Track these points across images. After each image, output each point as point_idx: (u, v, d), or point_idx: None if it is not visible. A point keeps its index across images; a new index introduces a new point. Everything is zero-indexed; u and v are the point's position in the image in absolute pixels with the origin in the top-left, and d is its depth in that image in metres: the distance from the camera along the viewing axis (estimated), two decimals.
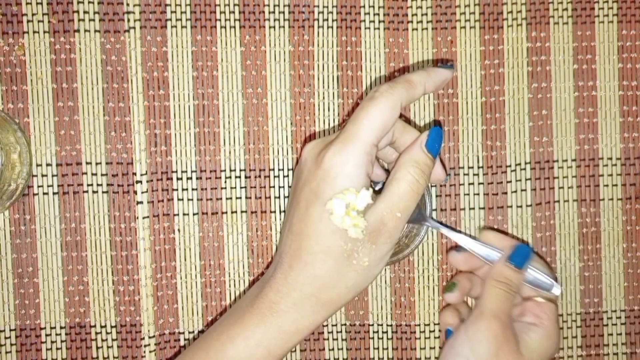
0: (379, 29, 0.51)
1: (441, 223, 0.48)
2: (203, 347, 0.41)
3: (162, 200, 0.50)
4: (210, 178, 0.50)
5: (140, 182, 0.50)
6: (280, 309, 0.40)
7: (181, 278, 0.50)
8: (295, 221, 0.41)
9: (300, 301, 0.40)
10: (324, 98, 0.51)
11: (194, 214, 0.50)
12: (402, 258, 0.49)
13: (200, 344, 0.42)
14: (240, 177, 0.50)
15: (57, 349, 0.50)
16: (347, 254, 0.39)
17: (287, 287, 0.40)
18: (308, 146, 0.42)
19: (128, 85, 0.50)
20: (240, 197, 0.50)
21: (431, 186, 0.51)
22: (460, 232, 0.49)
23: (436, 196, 0.51)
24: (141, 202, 0.50)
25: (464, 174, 0.51)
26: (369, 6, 0.50)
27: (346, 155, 0.39)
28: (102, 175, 0.50)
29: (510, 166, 0.51)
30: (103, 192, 0.50)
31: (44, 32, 0.49)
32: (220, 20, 0.50)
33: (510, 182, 0.51)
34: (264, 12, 0.50)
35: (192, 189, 0.50)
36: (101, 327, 0.50)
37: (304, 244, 0.40)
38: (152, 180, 0.50)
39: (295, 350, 0.51)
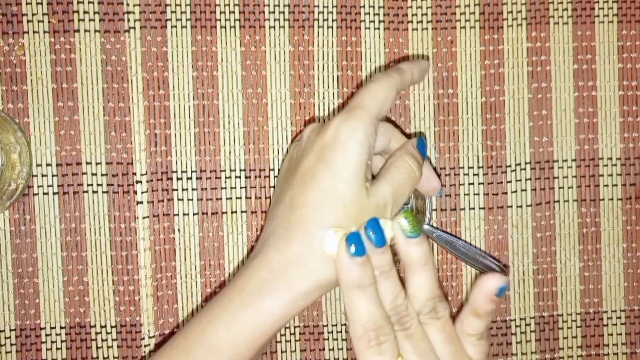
0: (379, 29, 0.51)
1: (442, 230, 0.48)
2: (183, 333, 0.39)
3: (162, 200, 0.50)
4: (210, 178, 0.50)
5: (140, 182, 0.50)
6: (271, 287, 0.37)
7: (181, 278, 0.50)
8: (295, 193, 0.39)
9: (297, 280, 0.37)
10: (324, 98, 0.51)
11: (194, 214, 0.50)
12: None
13: (181, 331, 0.40)
14: (240, 177, 0.50)
15: (57, 349, 0.50)
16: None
17: (283, 263, 0.38)
18: (309, 127, 0.42)
19: (128, 85, 0.50)
20: (240, 197, 0.50)
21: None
22: (459, 238, 0.49)
23: (436, 198, 0.51)
24: (141, 202, 0.50)
25: (464, 174, 0.51)
26: (369, 6, 0.50)
27: (354, 122, 0.39)
28: (102, 175, 0.50)
29: (510, 166, 0.51)
30: (103, 192, 0.50)
31: (44, 32, 0.49)
32: (220, 20, 0.50)
33: (510, 182, 0.51)
34: (264, 12, 0.50)
35: (192, 189, 0.50)
36: (101, 327, 0.50)
37: (311, 217, 0.38)
38: (152, 180, 0.50)
39: (295, 350, 0.51)
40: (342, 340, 0.51)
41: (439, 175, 0.50)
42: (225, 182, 0.50)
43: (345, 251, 0.37)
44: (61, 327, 0.50)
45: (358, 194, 0.38)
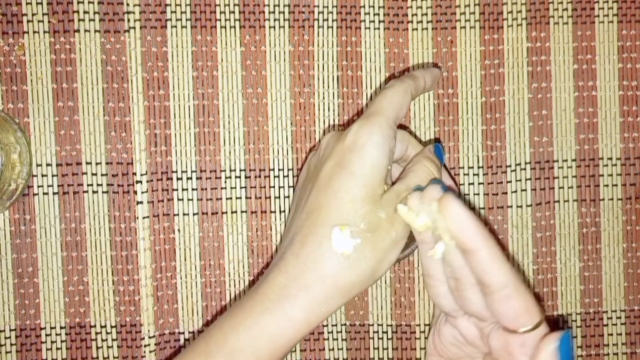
0: (379, 29, 0.51)
1: None
2: (205, 338, 0.39)
3: (162, 200, 0.50)
4: (210, 178, 0.50)
5: (140, 182, 0.50)
6: (290, 293, 0.37)
7: (181, 278, 0.50)
8: (312, 198, 0.39)
9: (314, 283, 0.37)
10: (324, 98, 0.51)
11: (194, 214, 0.50)
12: (403, 258, 0.49)
13: (203, 335, 0.40)
14: (240, 177, 0.50)
15: (57, 349, 0.50)
16: (370, 230, 0.38)
17: (298, 267, 0.37)
18: (327, 135, 0.42)
19: (128, 85, 0.50)
20: (240, 197, 0.50)
21: None
22: None
23: None
24: (141, 202, 0.50)
25: (464, 174, 0.51)
26: (369, 6, 0.51)
27: (372, 126, 0.39)
28: (102, 175, 0.50)
29: (510, 166, 0.51)
30: (103, 192, 0.50)
31: (44, 32, 0.49)
32: (220, 20, 0.50)
33: (510, 182, 0.51)
34: (264, 12, 0.50)
35: (192, 189, 0.50)
36: (101, 327, 0.50)
37: (323, 218, 0.38)
38: (152, 180, 0.50)
39: (295, 350, 0.51)
40: (342, 340, 0.51)
41: (457, 184, 0.50)
42: (225, 182, 0.50)
43: (461, 207, 0.35)
44: (61, 327, 0.50)
45: (371, 193, 0.38)
